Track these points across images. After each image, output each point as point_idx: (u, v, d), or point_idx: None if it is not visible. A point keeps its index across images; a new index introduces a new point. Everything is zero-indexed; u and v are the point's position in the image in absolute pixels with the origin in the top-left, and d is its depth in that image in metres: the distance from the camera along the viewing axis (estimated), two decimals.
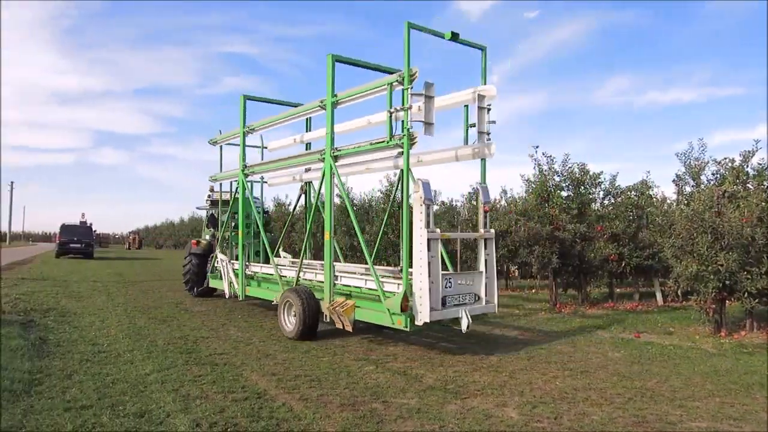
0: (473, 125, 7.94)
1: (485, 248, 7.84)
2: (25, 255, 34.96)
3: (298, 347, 7.78)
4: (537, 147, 12.58)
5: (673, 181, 11.52)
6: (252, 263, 11.59)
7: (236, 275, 11.23)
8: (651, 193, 13.36)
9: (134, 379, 5.88)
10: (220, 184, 13.67)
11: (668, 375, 6.41)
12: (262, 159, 11.50)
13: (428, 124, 7.19)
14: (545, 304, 12.46)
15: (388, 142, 7.36)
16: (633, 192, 13.25)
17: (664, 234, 9.92)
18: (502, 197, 19.37)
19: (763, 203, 8.91)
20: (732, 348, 7.88)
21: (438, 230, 7.17)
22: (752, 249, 8.62)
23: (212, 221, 14.61)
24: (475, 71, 8.17)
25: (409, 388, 5.74)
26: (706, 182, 10.64)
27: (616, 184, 13.28)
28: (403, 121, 7.17)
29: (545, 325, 9.91)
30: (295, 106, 10.41)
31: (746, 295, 8.53)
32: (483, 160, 8.06)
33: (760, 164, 9.75)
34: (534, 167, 12.79)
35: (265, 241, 11.06)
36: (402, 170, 7.66)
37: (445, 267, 7.74)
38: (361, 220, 22.36)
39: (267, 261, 11.75)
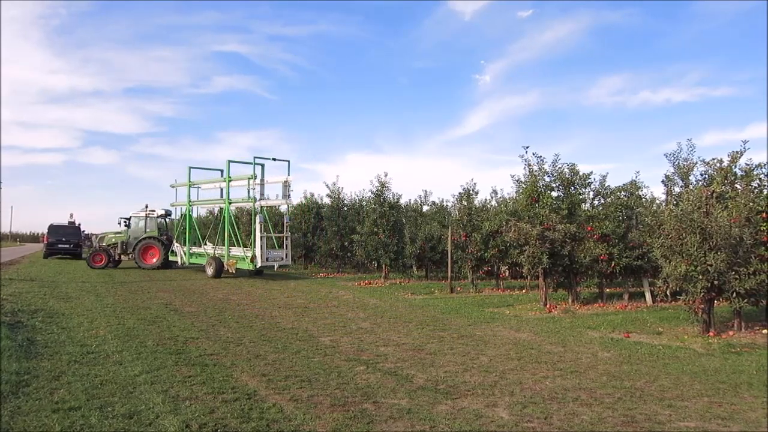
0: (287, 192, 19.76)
1: (286, 240, 19.76)
2: (13, 255, 34.59)
3: (288, 348, 7.77)
4: (527, 147, 12.67)
5: (662, 181, 11.63)
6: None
7: (185, 253, 23.12)
8: (640, 193, 13.46)
9: (123, 380, 5.84)
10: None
11: (657, 375, 6.46)
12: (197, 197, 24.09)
13: (261, 194, 20.39)
14: (536, 305, 12.51)
15: (250, 198, 20.46)
16: (623, 192, 13.34)
17: (654, 234, 9.98)
18: (492, 197, 19.48)
19: (751, 204, 8.99)
20: (720, 348, 7.95)
21: (265, 233, 19.07)
22: (740, 249, 8.70)
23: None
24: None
25: (400, 389, 5.74)
26: (694, 183, 10.72)
27: (606, 185, 13.37)
28: (249, 190, 20.32)
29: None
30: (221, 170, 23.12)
31: (734, 295, 8.61)
32: (288, 205, 20.98)
33: (748, 165, 9.83)
34: (524, 167, 12.86)
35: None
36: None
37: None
38: (351, 220, 22.57)
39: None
